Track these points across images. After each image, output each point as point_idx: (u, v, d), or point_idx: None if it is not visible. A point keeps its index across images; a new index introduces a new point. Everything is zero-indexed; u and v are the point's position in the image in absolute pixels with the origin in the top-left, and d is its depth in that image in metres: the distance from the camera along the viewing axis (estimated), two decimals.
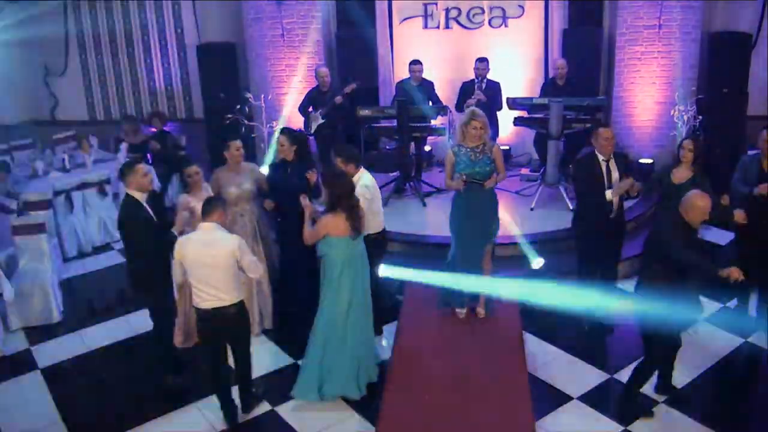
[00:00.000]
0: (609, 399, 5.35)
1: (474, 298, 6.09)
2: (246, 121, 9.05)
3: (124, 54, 10.24)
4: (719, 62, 8.47)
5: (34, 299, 6.68)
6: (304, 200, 5.41)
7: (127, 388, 5.73)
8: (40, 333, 6.63)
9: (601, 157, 5.89)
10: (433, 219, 7.91)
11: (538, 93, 9.18)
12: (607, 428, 5.02)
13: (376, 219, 5.80)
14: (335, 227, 5.08)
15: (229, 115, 8.96)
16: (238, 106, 9.03)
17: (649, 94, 8.76)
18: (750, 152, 7.97)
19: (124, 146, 8.84)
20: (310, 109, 8.62)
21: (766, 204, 5.82)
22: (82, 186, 8.17)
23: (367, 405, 5.35)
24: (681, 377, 5.47)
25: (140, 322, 6.67)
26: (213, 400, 5.41)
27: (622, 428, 5.01)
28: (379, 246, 5.92)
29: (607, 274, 6.17)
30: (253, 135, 9.23)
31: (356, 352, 5.35)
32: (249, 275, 4.91)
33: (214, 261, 4.67)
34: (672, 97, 8.58)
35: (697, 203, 4.59)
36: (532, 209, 7.96)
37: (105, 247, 8.51)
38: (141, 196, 5.26)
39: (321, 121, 8.43)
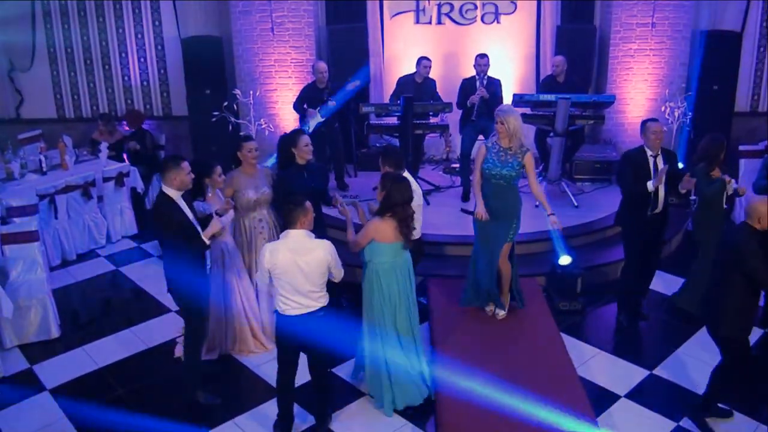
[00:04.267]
0: (656, 395, 5.34)
1: (494, 297, 6.05)
2: (233, 119, 8.64)
3: (97, 47, 9.52)
4: (709, 60, 8.68)
5: (31, 314, 6.12)
6: (342, 207, 5.16)
7: (153, 407, 5.30)
8: (38, 350, 6.08)
9: (649, 152, 5.88)
10: (437, 217, 7.76)
11: (529, 89, 9.24)
12: (660, 425, 5.02)
13: (417, 226, 5.61)
14: (383, 232, 4.86)
15: (216, 113, 8.54)
16: (225, 103, 8.60)
17: (641, 90, 8.90)
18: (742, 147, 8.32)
19: (104, 146, 8.27)
20: (305, 106, 8.31)
21: None
22: (66, 189, 7.57)
23: (418, 414, 5.18)
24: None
25: (149, 334, 6.32)
26: (251, 415, 5.16)
27: (675, 424, 5.02)
28: (416, 252, 5.69)
29: (649, 264, 6.23)
30: (241, 133, 8.83)
31: (411, 359, 5.18)
32: (335, 280, 4.74)
33: (307, 268, 4.47)
34: (663, 93, 8.75)
35: (761, 209, 4.51)
36: (537, 206, 7.92)
37: (89, 254, 7.94)
38: (176, 195, 4.87)
39: (321, 119, 8.14)
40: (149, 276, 7.36)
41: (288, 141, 5.92)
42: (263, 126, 8.77)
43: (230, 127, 8.65)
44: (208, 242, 4.96)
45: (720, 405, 5.02)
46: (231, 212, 5.49)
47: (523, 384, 5.24)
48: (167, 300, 6.75)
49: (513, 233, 5.79)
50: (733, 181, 6.01)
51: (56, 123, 9.62)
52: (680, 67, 8.78)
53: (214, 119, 8.55)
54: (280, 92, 9.08)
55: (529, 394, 5.12)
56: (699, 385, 5.36)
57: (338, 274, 4.73)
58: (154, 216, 5.00)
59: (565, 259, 6.54)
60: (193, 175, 4.96)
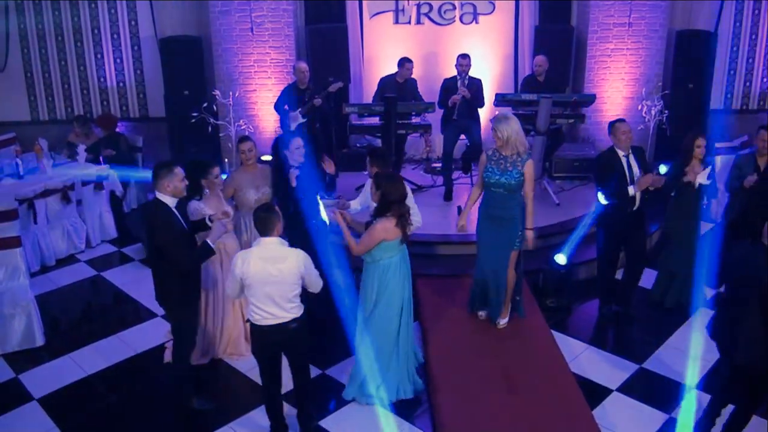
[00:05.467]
0: (647, 388, 5.44)
1: (495, 306, 6.04)
2: (212, 120, 8.56)
3: (72, 48, 9.29)
4: (684, 59, 8.87)
5: (15, 322, 5.96)
6: (338, 215, 5.17)
7: (146, 414, 5.23)
8: (23, 359, 5.91)
9: (621, 153, 5.98)
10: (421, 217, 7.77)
11: (507, 89, 9.35)
12: (653, 417, 5.10)
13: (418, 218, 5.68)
14: (391, 231, 4.93)
15: (195, 114, 8.45)
16: (205, 104, 8.51)
17: (618, 89, 9.07)
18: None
19: (81, 148, 8.11)
20: (286, 107, 8.26)
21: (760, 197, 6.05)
22: (45, 193, 7.40)
23: (413, 411, 5.20)
24: (703, 363, 5.69)
25: (136, 340, 6.21)
26: (247, 419, 5.10)
27: (668, 416, 5.11)
28: None
29: (637, 259, 6.31)
30: (221, 134, 8.75)
31: (408, 353, 5.30)
32: (310, 290, 4.62)
33: (280, 277, 4.37)
34: (639, 92, 8.93)
35: None
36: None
37: (69, 260, 7.77)
38: (172, 202, 4.78)
39: (302, 120, 8.09)
40: (132, 280, 7.27)
41: (281, 143, 5.93)
42: (243, 127, 8.71)
43: (209, 129, 8.57)
44: (213, 246, 4.82)
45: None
46: (231, 214, 5.44)
47: (517, 381, 5.32)
48: (152, 304, 6.62)
49: (519, 241, 5.78)
50: (698, 177, 6.07)
51: (29, 125, 9.37)
52: (656, 66, 8.96)
53: (192, 120, 8.47)
54: (259, 93, 9.01)
55: (524, 391, 5.20)
56: (688, 376, 5.50)
57: (315, 284, 4.61)
58: (149, 224, 4.82)
59: (561, 258, 6.60)
60: (186, 182, 4.87)
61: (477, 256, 6.01)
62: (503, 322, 6.03)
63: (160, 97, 9.13)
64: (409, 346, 5.34)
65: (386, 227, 4.91)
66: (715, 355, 5.66)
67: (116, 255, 7.98)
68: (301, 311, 4.58)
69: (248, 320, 4.61)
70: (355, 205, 5.79)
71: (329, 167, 6.02)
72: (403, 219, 4.95)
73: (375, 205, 5.09)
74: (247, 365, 5.73)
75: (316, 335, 6.05)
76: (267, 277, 4.36)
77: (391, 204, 4.89)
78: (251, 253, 4.43)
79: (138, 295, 6.94)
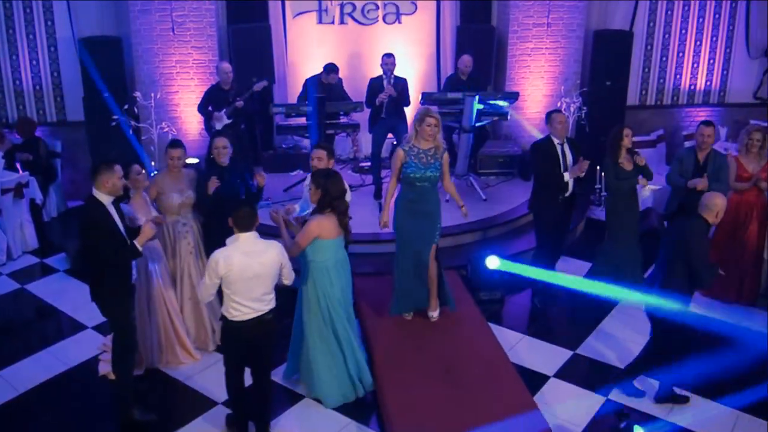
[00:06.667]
0: (582, 373, 5.69)
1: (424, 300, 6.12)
2: (134, 123, 8.30)
3: None
4: (602, 58, 9.28)
5: None
6: (277, 215, 5.14)
7: (85, 430, 5.06)
8: None
9: (556, 141, 6.28)
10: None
11: (431, 88, 9.47)
12: (590, 400, 5.33)
13: None
14: (326, 229, 4.93)
15: (115, 117, 8.17)
16: (125, 107, 8.25)
17: (538, 87, 9.37)
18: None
19: None
20: (210, 108, 8.12)
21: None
22: None
23: (359, 411, 5.24)
24: (633, 346, 5.94)
25: (67, 353, 5.97)
26: (190, 428, 5.01)
27: (605, 398, 5.35)
28: None
29: (559, 244, 6.68)
30: (143, 137, 8.50)
31: (351, 356, 5.29)
32: (285, 282, 4.68)
33: (263, 270, 4.43)
34: (559, 90, 9.24)
35: (720, 203, 4.91)
36: (447, 201, 8.12)
37: None
38: (107, 200, 4.69)
39: (227, 121, 7.98)
40: (57, 292, 7.00)
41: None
42: (165, 130, 8.44)
43: (130, 131, 8.31)
44: (140, 248, 4.77)
45: (677, 391, 5.32)
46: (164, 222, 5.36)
47: (460, 373, 5.42)
48: (81, 316, 6.47)
49: (439, 233, 5.93)
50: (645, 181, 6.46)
51: None
52: (574, 64, 9.32)
53: (113, 123, 8.19)
54: (182, 94, 8.81)
55: (467, 382, 5.30)
56: (621, 360, 5.77)
57: (290, 275, 4.70)
58: (83, 221, 4.74)
59: (492, 262, 6.73)
60: (125, 180, 4.82)
61: (397, 254, 6.02)
62: (435, 314, 6.11)
63: (79, 100, 8.77)
64: (352, 350, 5.32)
65: (322, 224, 4.91)
66: (644, 339, 6.03)
67: (39, 266, 7.64)
68: (275, 303, 4.63)
69: (222, 318, 4.60)
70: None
71: (260, 179, 5.96)
72: (344, 216, 4.97)
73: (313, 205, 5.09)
74: (185, 374, 5.65)
75: None
76: (250, 272, 4.40)
77: (332, 201, 4.91)
78: (231, 250, 4.44)
79: (65, 307, 6.69)
